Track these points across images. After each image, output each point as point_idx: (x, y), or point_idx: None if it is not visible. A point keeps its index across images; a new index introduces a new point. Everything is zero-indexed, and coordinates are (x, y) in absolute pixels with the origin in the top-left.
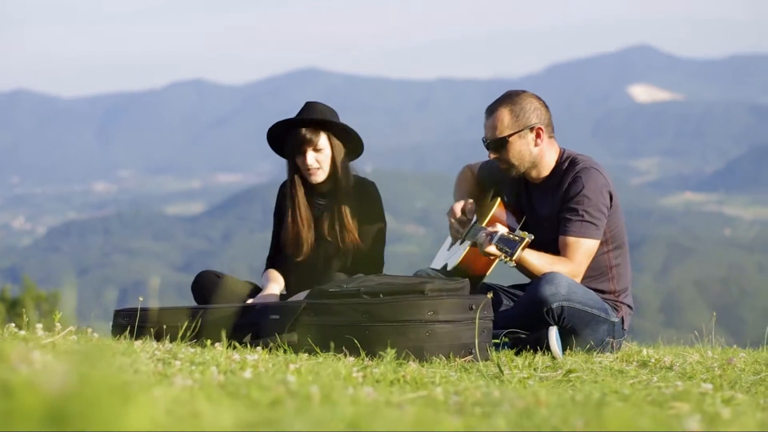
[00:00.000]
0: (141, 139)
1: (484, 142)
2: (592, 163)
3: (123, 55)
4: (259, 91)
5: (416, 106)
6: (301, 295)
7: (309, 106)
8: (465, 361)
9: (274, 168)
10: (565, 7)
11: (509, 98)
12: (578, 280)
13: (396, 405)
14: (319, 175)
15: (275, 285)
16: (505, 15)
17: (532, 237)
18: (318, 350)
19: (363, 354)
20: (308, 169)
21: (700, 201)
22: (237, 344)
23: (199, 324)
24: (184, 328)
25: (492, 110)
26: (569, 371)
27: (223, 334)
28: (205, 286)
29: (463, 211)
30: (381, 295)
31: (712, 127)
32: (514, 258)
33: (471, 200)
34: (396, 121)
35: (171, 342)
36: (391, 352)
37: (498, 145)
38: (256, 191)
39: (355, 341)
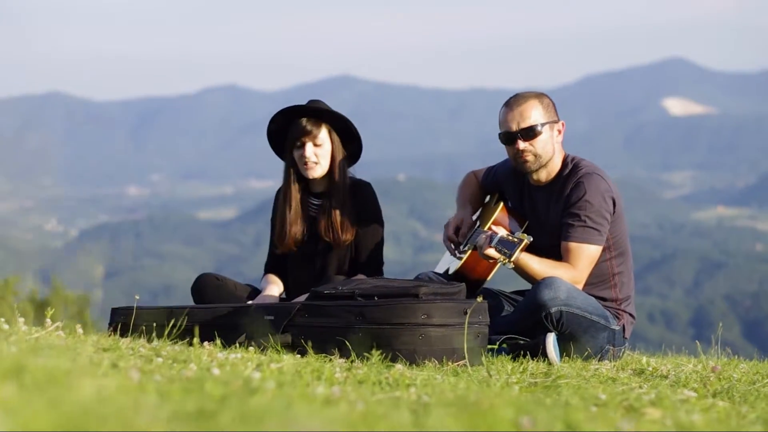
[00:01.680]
0: (174, 143)
1: (505, 135)
2: (595, 169)
3: (157, 59)
4: (292, 97)
5: (449, 115)
6: (303, 298)
7: (314, 103)
8: (458, 365)
9: None
10: (600, 18)
11: (532, 93)
12: (580, 286)
13: (351, 402)
14: (317, 170)
15: (274, 287)
16: (539, 25)
17: (531, 239)
18: (311, 351)
19: (354, 356)
20: (306, 162)
21: (732, 215)
22: (226, 344)
23: (184, 323)
24: (170, 326)
25: (521, 101)
26: (558, 377)
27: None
28: (204, 288)
29: (457, 229)
30: (375, 298)
31: (745, 141)
32: (512, 259)
33: (468, 216)
34: (428, 130)
35: (172, 341)
36: (376, 354)
37: (529, 133)
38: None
39: (347, 343)
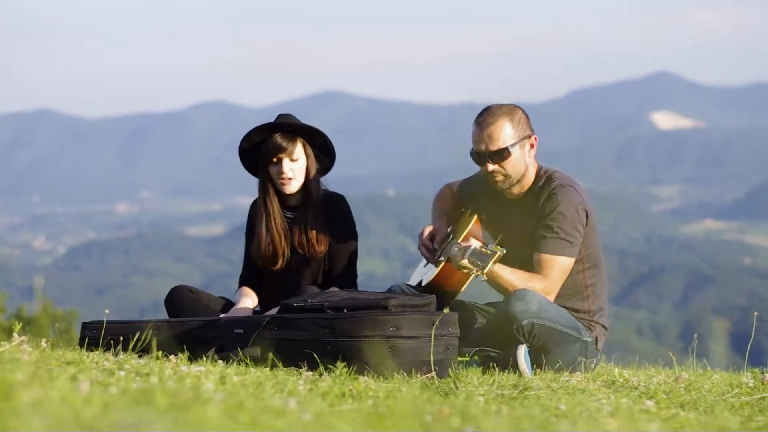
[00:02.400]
0: (163, 160)
1: (475, 154)
2: (569, 181)
3: (146, 75)
4: (281, 112)
5: (439, 131)
6: (275, 311)
7: (284, 118)
8: (427, 377)
9: None
10: (588, 33)
11: (502, 109)
12: (552, 297)
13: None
14: (293, 186)
15: (248, 300)
16: (528, 40)
17: (505, 251)
18: (279, 364)
19: (322, 368)
20: (282, 179)
21: (720, 229)
22: (194, 357)
23: (149, 336)
24: (134, 340)
25: (489, 122)
26: (525, 388)
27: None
28: (178, 301)
29: (431, 236)
30: (345, 310)
31: (733, 155)
32: (485, 271)
33: (442, 227)
34: (418, 145)
35: (138, 355)
36: (341, 366)
37: (498, 155)
38: None
39: (315, 355)
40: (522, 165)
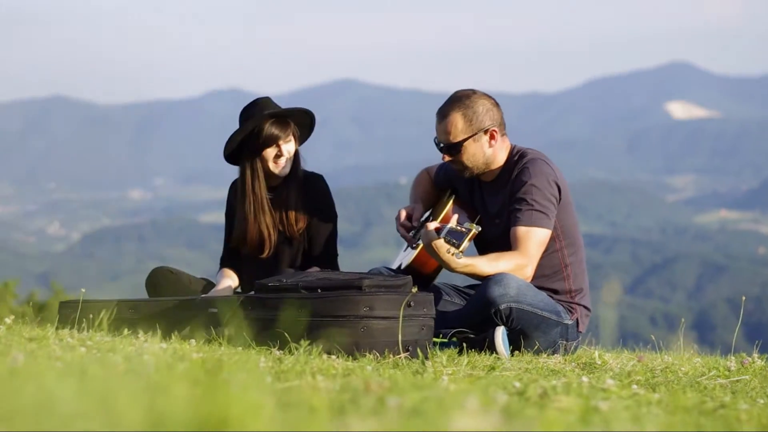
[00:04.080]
0: (177, 147)
1: (436, 144)
2: (540, 155)
3: (160, 62)
4: (295, 100)
5: None
6: None
7: (267, 101)
8: (399, 358)
9: None
10: (603, 22)
11: (460, 101)
12: (531, 270)
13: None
14: (287, 167)
15: (228, 280)
16: (543, 30)
17: (479, 228)
18: (252, 344)
19: (293, 348)
20: (278, 161)
21: (735, 219)
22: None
23: (112, 314)
24: (101, 317)
25: (444, 114)
26: (493, 368)
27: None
28: (158, 282)
29: (408, 216)
30: (319, 290)
31: (748, 145)
32: (460, 249)
33: (419, 206)
34: (431, 134)
35: (112, 333)
36: (304, 344)
37: (452, 149)
38: None
39: (286, 335)
40: (480, 156)
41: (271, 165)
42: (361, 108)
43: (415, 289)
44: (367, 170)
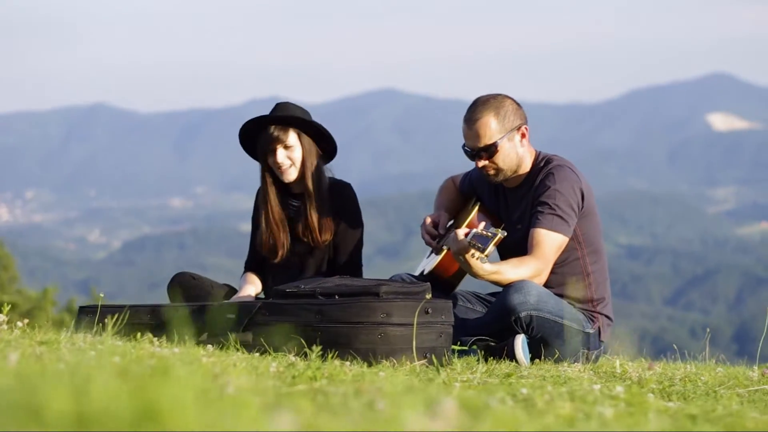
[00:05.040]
0: (218, 155)
1: (467, 151)
2: (566, 162)
3: (202, 71)
4: (336, 110)
5: None
6: None
7: (278, 106)
8: (418, 365)
9: None
10: (644, 33)
11: (489, 103)
12: (545, 274)
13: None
14: (291, 173)
15: (251, 287)
16: (585, 39)
17: (506, 233)
18: (270, 350)
19: (310, 354)
20: (279, 167)
21: None
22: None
23: (126, 318)
24: (113, 321)
25: (475, 119)
26: (509, 375)
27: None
28: (179, 287)
29: (434, 224)
30: (336, 296)
31: None
32: (486, 253)
33: (444, 213)
34: None
35: (129, 339)
36: (317, 350)
37: (487, 151)
38: None
39: (303, 341)
40: (513, 157)
41: (277, 171)
42: (402, 117)
43: (428, 296)
44: (409, 179)
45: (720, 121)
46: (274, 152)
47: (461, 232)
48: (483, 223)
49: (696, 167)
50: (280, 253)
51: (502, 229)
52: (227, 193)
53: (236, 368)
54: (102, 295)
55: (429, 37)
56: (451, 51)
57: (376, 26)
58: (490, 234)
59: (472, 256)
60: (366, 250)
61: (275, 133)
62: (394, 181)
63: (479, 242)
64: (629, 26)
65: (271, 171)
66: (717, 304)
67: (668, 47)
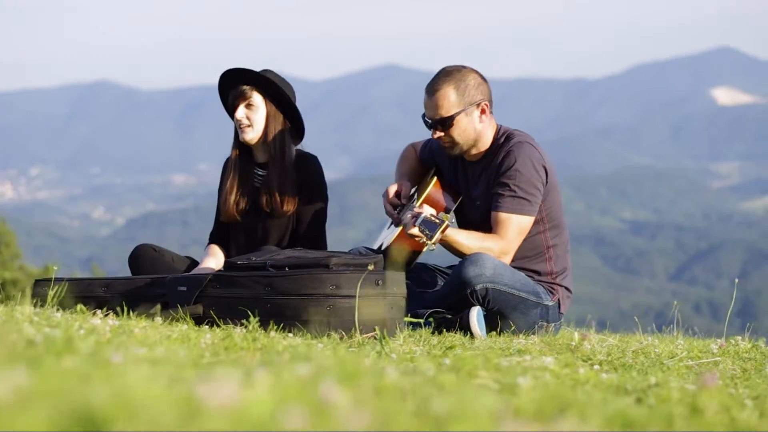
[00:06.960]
0: (220, 132)
1: (425, 121)
2: (528, 138)
3: (203, 47)
4: (338, 86)
5: (495, 106)
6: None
7: (264, 71)
8: (367, 337)
9: (351, 163)
10: (647, 8)
11: (451, 75)
12: (510, 257)
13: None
14: (249, 133)
15: (212, 259)
16: (587, 14)
17: (453, 221)
18: (219, 322)
19: (256, 326)
20: (239, 124)
21: None
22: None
23: (63, 290)
24: (53, 293)
25: (435, 89)
26: (450, 347)
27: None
28: (140, 259)
29: (396, 194)
30: (287, 269)
31: None
32: (433, 241)
33: (407, 183)
34: None
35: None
36: (254, 321)
37: (443, 123)
38: (333, 186)
39: (250, 313)
40: (470, 132)
41: (238, 129)
42: (404, 93)
43: (371, 267)
44: None
45: (724, 96)
46: (236, 108)
47: (409, 217)
48: (427, 208)
49: (700, 142)
50: (236, 218)
51: (460, 208)
52: None
53: (169, 339)
54: (56, 268)
55: (431, 12)
56: (453, 26)
57: (377, 1)
58: (438, 221)
59: (419, 241)
60: (369, 226)
61: (240, 88)
62: (396, 157)
63: (427, 228)
64: (631, 0)
65: (236, 133)
66: (721, 279)
67: (671, 22)
